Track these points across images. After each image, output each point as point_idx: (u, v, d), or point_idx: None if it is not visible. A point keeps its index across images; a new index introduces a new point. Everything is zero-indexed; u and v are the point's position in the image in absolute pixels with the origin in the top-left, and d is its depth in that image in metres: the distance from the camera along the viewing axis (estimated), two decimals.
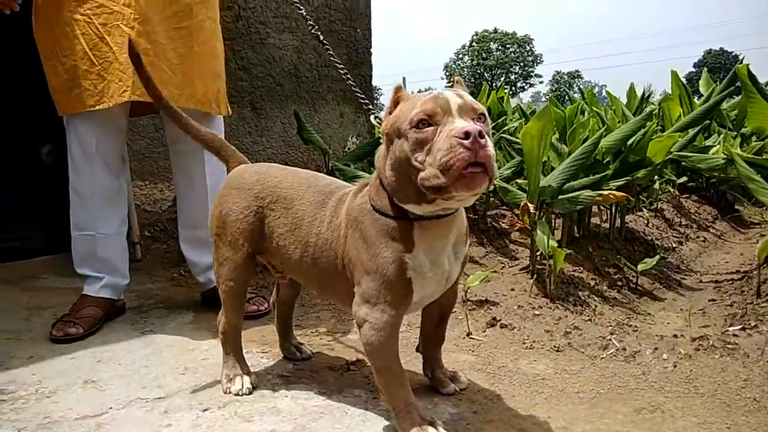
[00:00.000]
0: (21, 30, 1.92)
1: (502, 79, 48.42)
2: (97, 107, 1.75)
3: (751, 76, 2.12)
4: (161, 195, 3.07)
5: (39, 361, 1.60)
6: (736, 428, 1.22)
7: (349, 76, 1.56)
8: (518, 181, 2.63)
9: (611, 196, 2.15)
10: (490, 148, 0.97)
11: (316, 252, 1.25)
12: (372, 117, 1.38)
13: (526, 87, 52.30)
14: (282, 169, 1.41)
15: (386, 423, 1.25)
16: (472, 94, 1.13)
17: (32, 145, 3.53)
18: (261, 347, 1.71)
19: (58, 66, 1.77)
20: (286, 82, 3.49)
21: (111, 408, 1.31)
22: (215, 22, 1.95)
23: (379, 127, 1.21)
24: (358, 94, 1.49)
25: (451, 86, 1.14)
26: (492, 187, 3.36)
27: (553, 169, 2.32)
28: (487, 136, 0.98)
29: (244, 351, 1.49)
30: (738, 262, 2.88)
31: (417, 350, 1.46)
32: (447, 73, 52.01)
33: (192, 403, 1.34)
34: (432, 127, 1.00)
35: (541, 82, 55.71)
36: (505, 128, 3.39)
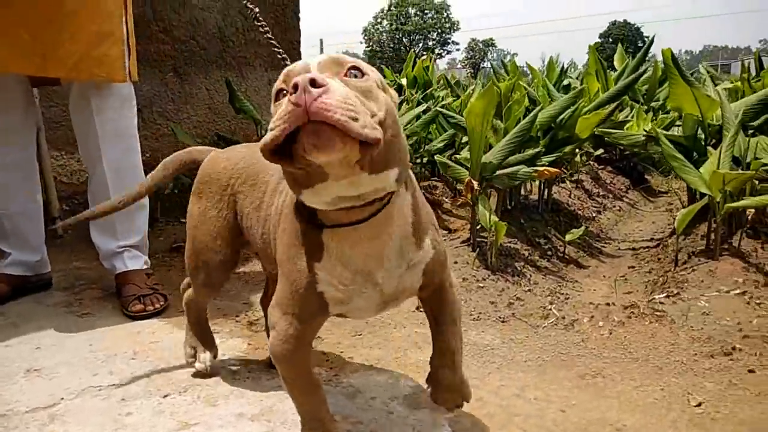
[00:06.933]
0: None
1: (420, 45, 48.48)
2: None
3: (674, 59, 2.27)
4: (79, 166, 2.87)
5: None
6: (669, 389, 1.35)
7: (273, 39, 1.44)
8: (457, 156, 2.68)
9: (546, 172, 2.25)
10: (328, 97, 0.71)
11: (264, 239, 1.13)
12: None
13: (443, 54, 52.71)
14: (245, 146, 1.30)
15: (350, 399, 1.28)
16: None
17: None
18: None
19: None
20: (211, 46, 3.33)
21: (62, 398, 1.25)
22: None
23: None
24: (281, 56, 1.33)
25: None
26: (426, 160, 3.43)
27: (490, 145, 2.38)
28: (332, 82, 0.75)
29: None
30: (651, 230, 3.12)
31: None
32: (366, 37, 51.26)
33: (150, 389, 1.30)
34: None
35: (457, 50, 56.39)
36: (440, 102, 3.43)
